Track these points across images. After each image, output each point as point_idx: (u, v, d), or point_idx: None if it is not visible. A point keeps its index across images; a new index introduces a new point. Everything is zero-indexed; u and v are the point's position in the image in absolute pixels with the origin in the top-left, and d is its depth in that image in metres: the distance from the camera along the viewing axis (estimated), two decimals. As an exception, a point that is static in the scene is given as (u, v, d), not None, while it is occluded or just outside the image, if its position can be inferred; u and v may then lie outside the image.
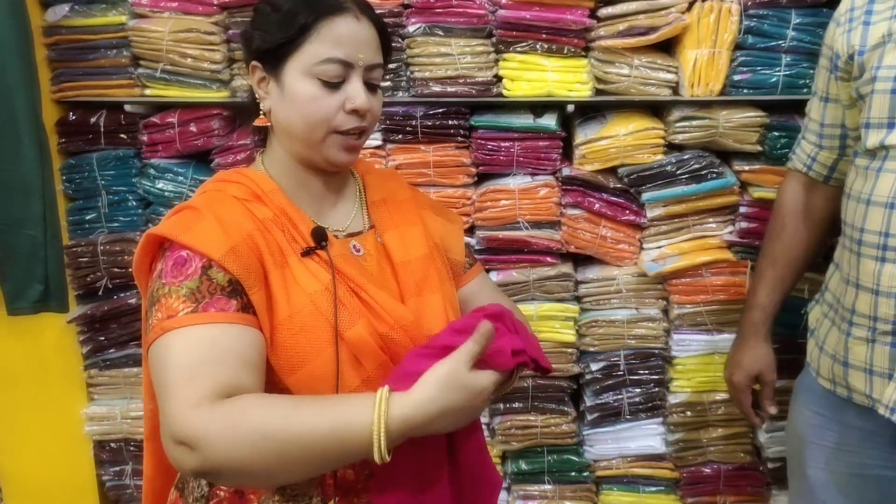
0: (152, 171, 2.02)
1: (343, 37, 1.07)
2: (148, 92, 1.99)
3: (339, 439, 0.91)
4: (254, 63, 1.12)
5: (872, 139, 1.36)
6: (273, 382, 1.03)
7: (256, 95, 1.13)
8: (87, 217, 2.06)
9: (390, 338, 1.06)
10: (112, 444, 2.17)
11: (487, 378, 0.97)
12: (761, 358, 1.69)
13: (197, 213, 1.05)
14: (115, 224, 2.06)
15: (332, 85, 1.07)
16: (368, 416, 0.91)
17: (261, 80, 1.12)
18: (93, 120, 2.01)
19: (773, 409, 1.70)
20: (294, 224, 1.09)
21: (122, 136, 2.03)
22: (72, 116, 2.03)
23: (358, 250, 1.16)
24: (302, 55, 1.07)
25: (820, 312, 1.55)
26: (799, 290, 1.95)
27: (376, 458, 0.91)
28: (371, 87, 1.11)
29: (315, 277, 1.06)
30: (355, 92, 1.07)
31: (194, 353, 0.95)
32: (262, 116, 1.14)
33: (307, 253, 1.08)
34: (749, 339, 1.70)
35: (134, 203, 2.06)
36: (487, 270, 1.99)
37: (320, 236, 1.09)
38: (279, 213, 1.09)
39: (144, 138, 2.01)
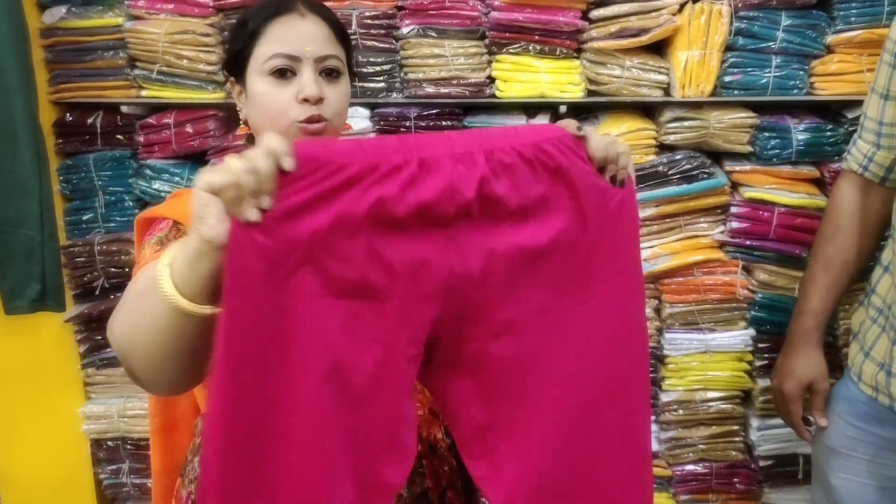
0: (149, 172, 2.04)
1: (287, 33, 1.12)
2: (144, 93, 2.00)
3: (152, 281, 0.85)
4: (230, 78, 1.20)
5: None
6: None
7: (237, 108, 1.21)
8: (84, 217, 2.08)
9: None
10: (109, 443, 2.18)
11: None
12: (813, 366, 1.61)
13: (179, 195, 1.15)
14: (112, 224, 2.08)
15: (284, 79, 1.12)
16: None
17: (238, 92, 1.19)
18: (89, 121, 2.03)
19: (823, 422, 1.59)
20: None
21: (119, 136, 2.04)
22: (69, 117, 2.04)
23: None
24: (255, 58, 1.13)
25: (865, 315, 1.51)
26: (789, 290, 1.97)
27: (164, 288, 0.82)
28: (329, 76, 1.14)
29: None
30: (306, 81, 1.11)
31: (142, 279, 0.95)
32: (242, 125, 1.21)
33: None
34: (800, 347, 1.62)
35: (130, 203, 2.07)
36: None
37: None
38: None
39: (141, 139, 2.03)
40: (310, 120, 1.12)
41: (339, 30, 1.18)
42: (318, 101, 1.12)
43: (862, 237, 1.57)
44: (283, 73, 1.11)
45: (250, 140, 1.23)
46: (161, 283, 0.82)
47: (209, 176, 0.77)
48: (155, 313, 0.84)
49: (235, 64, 1.16)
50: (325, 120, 1.14)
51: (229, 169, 0.76)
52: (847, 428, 1.52)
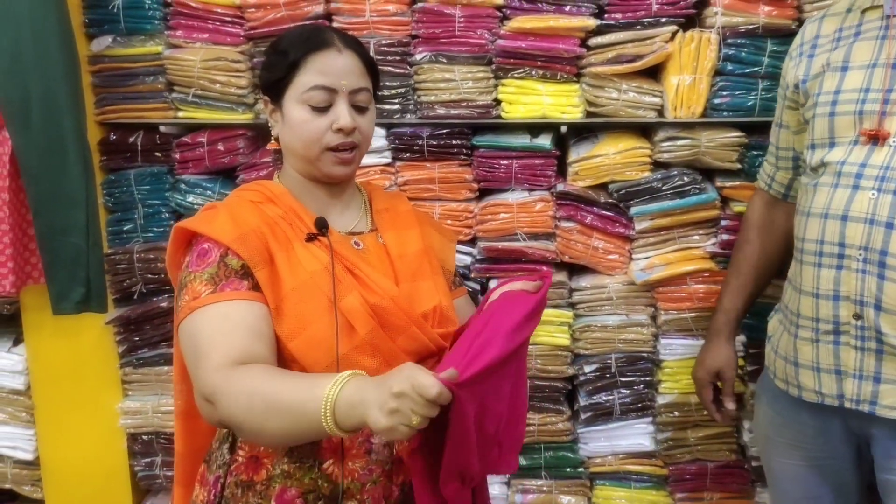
0: (183, 186, 2.20)
1: (326, 67, 1.26)
2: (180, 114, 2.17)
3: (304, 407, 1.03)
4: (264, 97, 1.33)
5: (815, 158, 1.52)
6: (279, 349, 1.21)
7: (269, 124, 1.34)
8: (125, 228, 2.23)
9: (380, 307, 1.24)
10: (144, 437, 2.31)
11: (410, 373, 0.96)
12: (722, 357, 1.86)
13: (215, 210, 1.28)
14: (150, 234, 2.23)
15: (321, 109, 1.26)
16: (323, 391, 1.02)
17: (272, 111, 1.33)
18: (131, 140, 2.19)
19: (730, 405, 1.87)
20: (300, 217, 1.29)
21: (157, 154, 2.20)
22: (112, 137, 2.20)
23: (358, 244, 1.33)
24: (295, 87, 1.27)
25: (777, 320, 1.70)
26: (771, 297, 2.08)
27: (325, 428, 1.01)
28: (359, 109, 1.29)
29: (315, 258, 1.25)
30: (340, 113, 1.26)
31: (214, 327, 1.15)
32: (273, 141, 1.35)
33: (310, 239, 1.27)
34: (713, 340, 1.88)
35: (167, 215, 2.23)
36: (487, 279, 2.17)
37: (322, 224, 1.28)
38: (287, 210, 1.29)
39: (177, 156, 2.19)
40: (342, 147, 1.27)
41: (369, 63, 1.34)
42: (352, 131, 1.27)
43: (768, 246, 1.80)
44: (321, 108, 1.26)
45: (278, 154, 1.39)
46: (325, 422, 1.01)
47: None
48: (298, 425, 1.06)
49: (274, 88, 1.30)
50: (356, 147, 1.30)
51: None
52: (774, 417, 1.69)
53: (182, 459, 1.45)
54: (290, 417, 1.05)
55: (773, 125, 1.75)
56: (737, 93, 2.04)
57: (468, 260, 2.18)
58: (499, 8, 2.06)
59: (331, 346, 1.20)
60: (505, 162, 2.13)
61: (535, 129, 2.17)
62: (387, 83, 2.12)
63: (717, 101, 2.04)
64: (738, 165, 2.09)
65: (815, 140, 1.53)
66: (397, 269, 1.34)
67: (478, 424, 1.06)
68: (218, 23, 2.12)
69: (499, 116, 2.12)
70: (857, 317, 1.44)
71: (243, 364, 1.12)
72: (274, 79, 1.30)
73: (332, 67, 1.27)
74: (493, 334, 1.09)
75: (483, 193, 2.20)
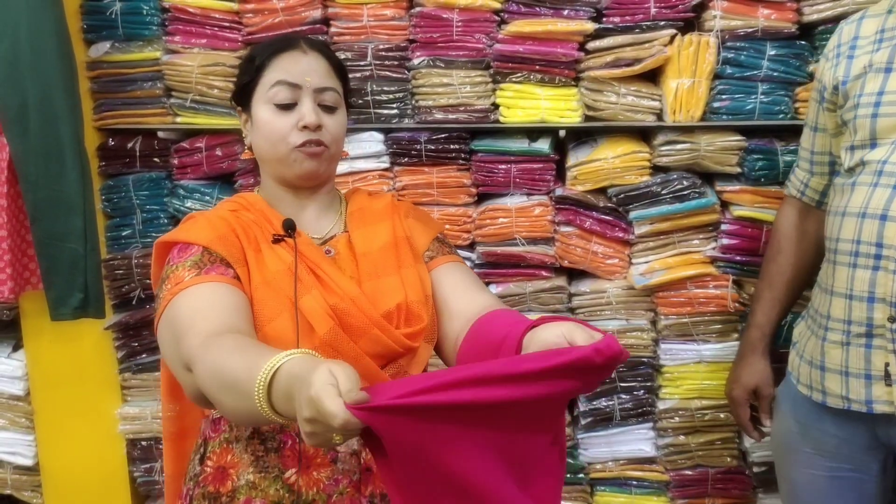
0: (182, 192, 2.20)
1: (290, 65, 1.27)
2: (179, 120, 2.17)
3: (245, 385, 0.93)
4: (237, 107, 1.34)
5: (854, 158, 1.48)
6: None
7: (243, 135, 1.34)
8: (124, 233, 2.24)
9: (339, 307, 1.22)
10: (143, 443, 2.32)
11: (316, 395, 0.81)
12: (758, 373, 1.80)
13: (193, 220, 1.29)
14: (148, 240, 2.23)
15: (286, 107, 1.26)
16: (265, 363, 0.92)
17: (245, 120, 1.33)
18: (129, 145, 2.20)
19: (768, 422, 1.81)
20: (270, 222, 1.29)
21: (156, 159, 2.21)
22: (111, 142, 2.21)
23: (329, 252, 1.31)
24: (260, 88, 1.28)
25: (804, 326, 1.66)
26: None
27: (256, 402, 0.91)
28: (327, 108, 1.29)
29: (280, 259, 1.25)
30: (305, 110, 1.25)
31: (199, 302, 1.14)
32: (246, 151, 1.35)
33: (277, 241, 1.27)
34: (747, 356, 1.83)
35: (165, 220, 2.24)
36: (487, 283, 2.15)
37: (289, 226, 1.27)
38: (259, 216, 1.30)
39: (175, 162, 2.20)
40: (308, 144, 1.26)
41: (337, 66, 1.33)
42: (317, 128, 1.26)
43: (800, 256, 1.75)
44: (286, 105, 1.25)
45: (255, 165, 1.39)
46: (262, 408, 0.91)
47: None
48: (244, 404, 0.96)
49: (243, 94, 1.31)
50: (323, 145, 1.28)
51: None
52: (794, 425, 1.65)
53: (171, 481, 1.44)
54: (235, 394, 0.96)
55: (806, 129, 1.71)
56: (736, 96, 2.03)
57: (467, 265, 2.16)
58: (496, 12, 2.06)
59: (289, 345, 1.16)
60: (503, 166, 2.13)
61: (533, 133, 2.17)
62: (384, 88, 2.12)
63: (716, 104, 2.03)
64: (738, 169, 2.08)
65: (855, 142, 1.50)
66: (361, 267, 1.30)
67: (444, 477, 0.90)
68: (216, 28, 2.12)
69: (497, 121, 2.11)
70: (893, 319, 1.41)
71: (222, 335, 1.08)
72: (242, 83, 1.31)
73: (296, 66, 1.27)
74: (467, 375, 0.89)
75: (482, 198, 2.20)
